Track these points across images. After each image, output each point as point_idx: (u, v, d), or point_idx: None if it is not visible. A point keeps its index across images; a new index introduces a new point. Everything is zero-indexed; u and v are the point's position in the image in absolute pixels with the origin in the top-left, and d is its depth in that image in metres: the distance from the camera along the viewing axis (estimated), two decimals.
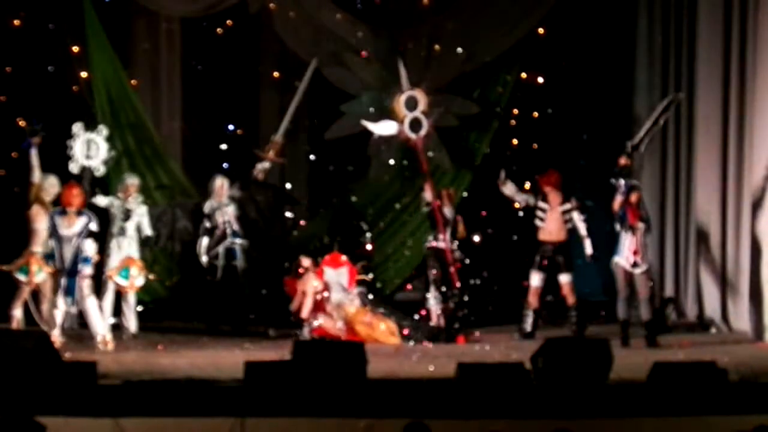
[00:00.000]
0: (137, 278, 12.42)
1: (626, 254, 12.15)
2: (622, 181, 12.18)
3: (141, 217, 12.68)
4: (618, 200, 12.18)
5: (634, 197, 12.20)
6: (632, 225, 12.11)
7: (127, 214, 12.58)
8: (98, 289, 12.08)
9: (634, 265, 12.16)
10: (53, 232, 11.44)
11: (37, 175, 11.98)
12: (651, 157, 14.59)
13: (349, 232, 14.13)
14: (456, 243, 13.03)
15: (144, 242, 12.83)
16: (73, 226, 11.47)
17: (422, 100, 13.52)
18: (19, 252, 11.73)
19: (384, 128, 13.48)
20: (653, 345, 11.97)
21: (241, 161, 14.12)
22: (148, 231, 12.71)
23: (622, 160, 12.37)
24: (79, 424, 8.19)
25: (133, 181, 12.85)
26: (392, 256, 14.74)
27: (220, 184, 13.24)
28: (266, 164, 13.66)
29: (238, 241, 13.15)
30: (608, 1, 14.85)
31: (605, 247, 12.81)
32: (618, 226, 12.20)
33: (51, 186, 11.91)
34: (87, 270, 11.55)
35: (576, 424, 7.45)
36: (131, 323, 12.49)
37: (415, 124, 13.37)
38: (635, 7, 14.81)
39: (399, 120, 13.46)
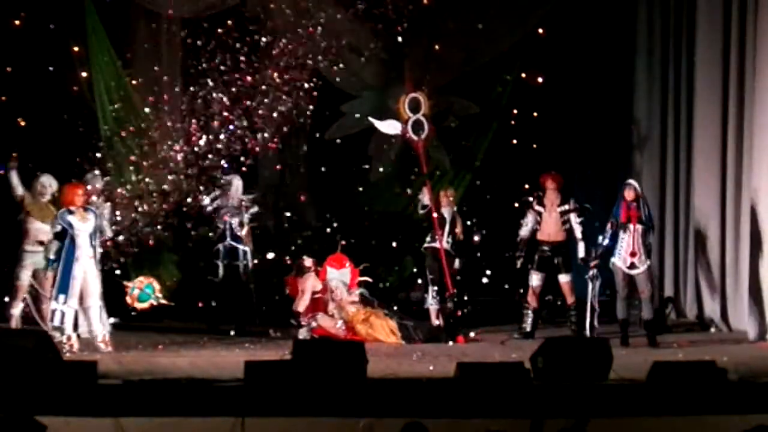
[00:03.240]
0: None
1: (623, 255, 12.09)
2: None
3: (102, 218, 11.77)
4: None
5: (627, 194, 12.14)
6: (624, 224, 12.05)
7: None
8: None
9: (631, 266, 12.10)
10: (64, 233, 11.32)
11: (19, 191, 11.78)
12: (651, 158, 14.62)
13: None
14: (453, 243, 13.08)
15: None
16: (87, 222, 11.42)
17: (424, 103, 13.38)
18: (14, 251, 11.72)
19: (388, 127, 13.42)
20: (654, 345, 11.96)
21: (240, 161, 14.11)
22: (108, 233, 11.95)
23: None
24: (79, 424, 8.18)
25: (93, 180, 12.26)
26: (392, 256, 14.76)
27: (236, 186, 13.21)
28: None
29: (241, 247, 13.15)
30: (608, 2, 14.86)
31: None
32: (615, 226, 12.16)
33: (49, 186, 11.83)
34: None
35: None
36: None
37: (417, 126, 13.27)
38: (635, 7, 14.83)
39: (402, 121, 13.37)
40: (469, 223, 13.81)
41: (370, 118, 13.57)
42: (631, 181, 12.47)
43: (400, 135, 13.36)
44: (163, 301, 12.65)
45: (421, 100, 13.25)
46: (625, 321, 12.14)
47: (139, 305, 12.52)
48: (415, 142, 13.20)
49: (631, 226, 12.05)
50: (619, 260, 12.09)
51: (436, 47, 14.44)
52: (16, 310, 11.59)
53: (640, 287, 12.14)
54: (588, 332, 11.76)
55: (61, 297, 11.22)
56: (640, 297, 12.23)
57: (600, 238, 12.22)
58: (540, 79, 14.63)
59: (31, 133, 13.54)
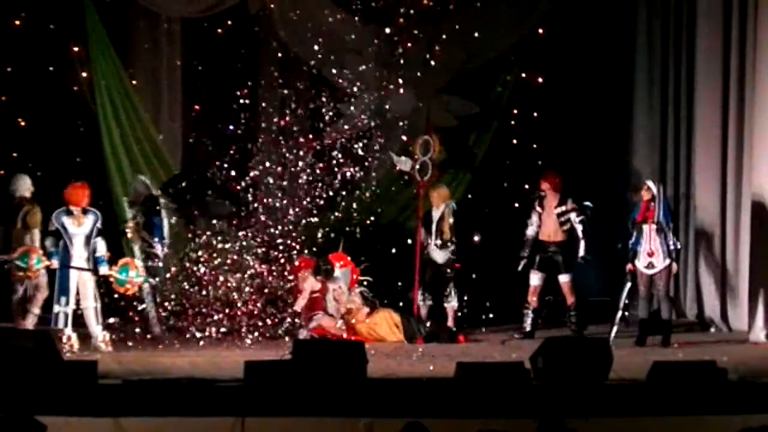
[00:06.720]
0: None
1: (642, 256, 12.05)
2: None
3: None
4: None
5: (644, 194, 12.09)
6: (639, 224, 12.04)
7: None
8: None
9: (649, 266, 12.05)
10: (60, 232, 11.34)
11: None
12: (651, 157, 14.61)
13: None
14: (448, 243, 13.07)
15: None
16: (83, 225, 11.42)
17: (434, 147, 13.27)
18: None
19: (404, 164, 13.39)
20: (667, 344, 11.94)
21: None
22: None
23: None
24: (79, 424, 8.19)
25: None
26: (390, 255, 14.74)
27: (142, 185, 13.17)
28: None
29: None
30: (608, 1, 14.85)
31: (603, 248, 12.80)
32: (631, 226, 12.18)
33: (28, 187, 11.81)
34: (104, 269, 11.51)
35: (576, 424, 7.44)
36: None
37: (423, 168, 13.23)
38: (635, 7, 14.82)
39: (412, 159, 13.31)
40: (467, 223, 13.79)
41: (390, 153, 13.60)
42: (647, 181, 12.44)
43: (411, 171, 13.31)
44: (150, 280, 12.43)
45: (431, 144, 13.16)
46: (644, 321, 12.11)
47: (131, 289, 12.17)
48: (418, 183, 13.18)
49: (647, 227, 12.03)
50: (638, 261, 12.07)
51: (436, 47, 14.42)
52: (36, 309, 11.58)
53: (656, 286, 12.08)
54: (612, 335, 11.70)
55: (63, 299, 11.28)
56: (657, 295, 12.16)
57: (630, 242, 12.20)
58: (540, 79, 14.61)
59: (31, 133, 13.54)
